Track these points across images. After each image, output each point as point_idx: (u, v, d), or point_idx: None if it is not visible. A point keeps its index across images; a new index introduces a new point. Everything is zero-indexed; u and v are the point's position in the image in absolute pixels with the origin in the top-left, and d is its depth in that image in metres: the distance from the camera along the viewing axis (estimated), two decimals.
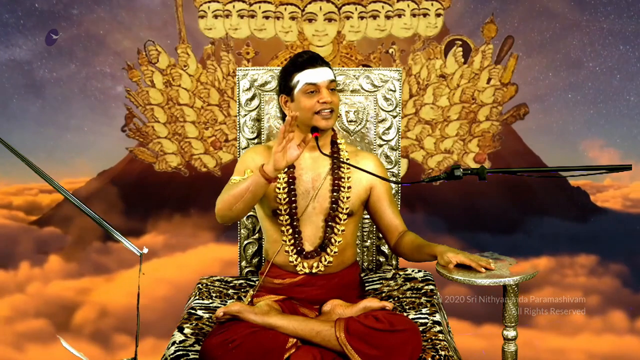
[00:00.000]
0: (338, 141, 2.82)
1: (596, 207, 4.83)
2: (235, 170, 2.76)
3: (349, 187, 2.75)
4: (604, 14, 4.66)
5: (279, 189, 2.71)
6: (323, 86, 2.66)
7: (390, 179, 3.08)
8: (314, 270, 2.73)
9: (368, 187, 2.80)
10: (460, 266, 2.49)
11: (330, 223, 2.74)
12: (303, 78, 2.66)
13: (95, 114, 4.75)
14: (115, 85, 4.76)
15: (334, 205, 2.73)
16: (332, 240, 2.73)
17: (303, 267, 2.73)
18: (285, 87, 2.72)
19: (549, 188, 4.86)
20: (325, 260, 2.73)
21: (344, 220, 2.74)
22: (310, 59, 2.69)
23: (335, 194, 2.74)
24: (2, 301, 4.69)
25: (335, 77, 2.73)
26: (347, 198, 2.74)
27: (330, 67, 2.72)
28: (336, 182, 2.74)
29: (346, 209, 2.74)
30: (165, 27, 4.67)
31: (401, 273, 3.08)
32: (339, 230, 2.73)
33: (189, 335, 2.61)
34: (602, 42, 4.68)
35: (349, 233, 2.78)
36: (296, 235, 2.73)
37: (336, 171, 2.75)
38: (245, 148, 3.13)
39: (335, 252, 2.73)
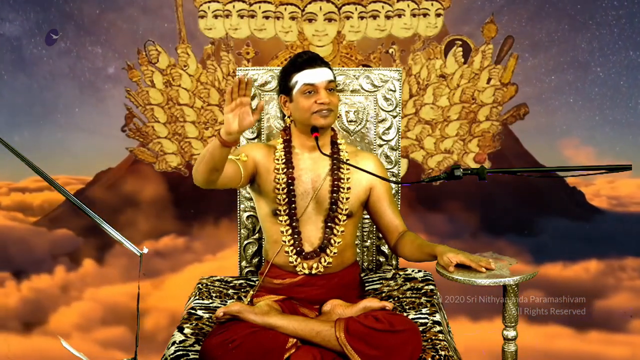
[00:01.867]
0: (338, 141, 2.82)
1: (595, 207, 4.84)
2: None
3: (349, 188, 2.74)
4: (615, 18, 4.59)
5: (278, 189, 2.70)
6: (321, 87, 2.65)
7: (390, 179, 3.07)
8: (313, 271, 2.73)
9: (368, 187, 2.78)
10: (461, 266, 2.48)
11: (329, 224, 2.73)
12: (301, 78, 2.65)
13: (84, 94, 4.67)
14: (107, 66, 4.64)
15: (333, 206, 2.72)
16: (332, 241, 2.73)
17: (303, 267, 2.72)
18: (284, 88, 2.72)
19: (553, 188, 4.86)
20: (325, 261, 2.72)
21: (344, 221, 2.74)
22: (309, 60, 2.68)
23: (334, 194, 2.72)
24: (67, 308, 4.67)
25: (334, 77, 2.73)
26: (347, 199, 2.73)
27: (329, 68, 2.72)
28: (335, 182, 2.72)
29: (345, 209, 2.73)
30: (166, 26, 4.65)
31: (401, 273, 3.07)
32: (338, 231, 2.72)
33: (189, 335, 2.60)
34: (611, 46, 4.61)
35: (349, 234, 2.77)
36: (295, 236, 2.72)
37: (336, 172, 2.73)
38: None
39: (334, 253, 2.73)
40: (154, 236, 4.72)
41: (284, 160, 2.72)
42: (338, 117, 2.90)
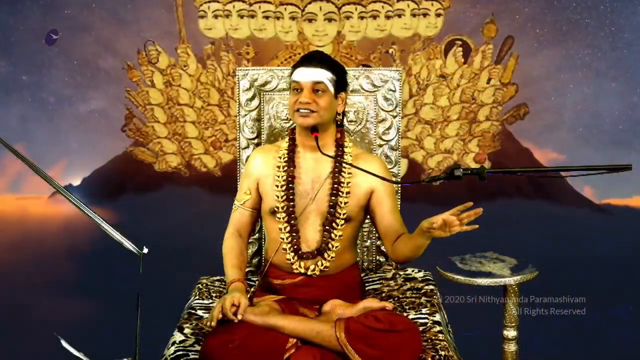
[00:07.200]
0: (344, 143, 2.78)
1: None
2: (240, 182, 2.77)
3: (348, 193, 2.71)
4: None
5: (277, 186, 2.71)
6: (306, 86, 2.64)
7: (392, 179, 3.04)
8: (309, 273, 2.72)
9: (369, 191, 2.74)
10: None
11: (327, 227, 2.71)
12: (294, 75, 2.68)
13: (83, 94, 4.64)
14: (106, 66, 4.59)
15: (331, 210, 2.70)
16: (330, 245, 2.70)
17: (300, 266, 2.72)
18: (289, 84, 2.74)
19: None
20: (322, 264, 2.71)
21: (341, 225, 2.72)
22: (307, 57, 2.69)
23: (333, 198, 2.70)
24: None
25: (333, 79, 2.65)
26: (345, 203, 2.71)
27: (330, 69, 2.66)
28: (335, 186, 2.70)
29: (344, 214, 2.71)
30: (166, 27, 4.70)
31: (401, 273, 3.07)
32: (336, 235, 2.70)
33: (189, 335, 2.59)
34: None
35: (347, 237, 2.74)
36: (294, 234, 2.71)
37: (337, 175, 2.71)
38: (245, 148, 3.10)
39: (332, 257, 2.72)
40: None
41: (286, 159, 2.73)
42: (340, 117, 2.79)
